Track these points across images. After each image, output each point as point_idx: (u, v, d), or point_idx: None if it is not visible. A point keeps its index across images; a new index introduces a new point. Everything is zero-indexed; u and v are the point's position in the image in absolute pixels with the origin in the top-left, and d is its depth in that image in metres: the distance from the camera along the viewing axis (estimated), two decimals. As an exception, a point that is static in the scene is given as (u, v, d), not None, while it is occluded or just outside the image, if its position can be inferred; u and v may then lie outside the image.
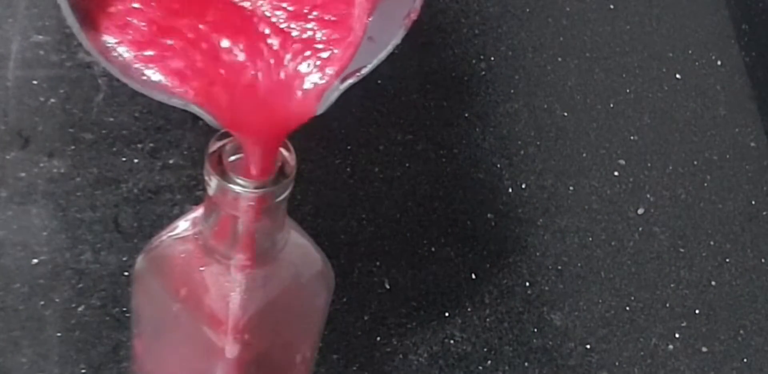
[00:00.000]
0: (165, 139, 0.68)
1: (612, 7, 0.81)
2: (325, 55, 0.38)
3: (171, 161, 0.67)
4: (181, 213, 0.52)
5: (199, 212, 0.44)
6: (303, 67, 0.38)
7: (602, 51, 0.79)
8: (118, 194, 0.66)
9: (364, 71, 0.38)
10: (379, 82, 0.73)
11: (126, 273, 0.63)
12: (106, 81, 0.69)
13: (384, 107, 0.72)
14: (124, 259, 0.64)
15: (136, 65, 0.37)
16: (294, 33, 0.38)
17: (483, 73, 0.76)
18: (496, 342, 0.66)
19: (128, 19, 0.37)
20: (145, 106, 0.68)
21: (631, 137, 0.76)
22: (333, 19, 0.38)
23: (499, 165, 0.72)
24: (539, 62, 0.77)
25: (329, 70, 0.38)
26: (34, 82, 0.68)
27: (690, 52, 0.80)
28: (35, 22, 0.70)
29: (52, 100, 0.68)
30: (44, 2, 0.71)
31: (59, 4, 0.35)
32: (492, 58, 0.77)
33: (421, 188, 0.70)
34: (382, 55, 0.37)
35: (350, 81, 0.38)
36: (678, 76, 0.79)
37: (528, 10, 0.79)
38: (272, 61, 0.38)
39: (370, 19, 0.38)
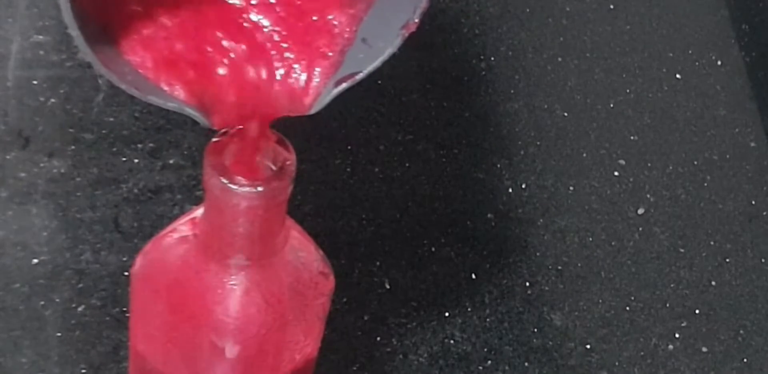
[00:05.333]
0: (165, 139, 0.68)
1: (612, 7, 0.81)
2: (314, 56, 0.38)
3: (171, 161, 0.67)
4: (181, 213, 0.52)
5: (199, 212, 0.44)
6: (294, 68, 0.38)
7: (602, 51, 0.79)
8: (118, 194, 0.66)
9: (359, 77, 0.38)
10: (379, 82, 0.73)
11: (126, 273, 0.63)
12: (106, 81, 0.69)
13: (384, 107, 0.72)
14: (124, 259, 0.63)
15: (136, 70, 0.37)
16: (284, 34, 0.38)
17: (483, 73, 0.76)
18: (496, 342, 0.66)
19: (134, 22, 0.37)
20: (145, 106, 0.68)
21: (631, 137, 0.76)
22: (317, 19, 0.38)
23: (499, 165, 0.72)
24: (539, 62, 0.77)
25: (318, 71, 0.38)
26: (34, 82, 0.68)
27: (690, 52, 0.80)
28: (35, 22, 0.70)
29: (52, 100, 0.68)
30: (44, 2, 0.71)
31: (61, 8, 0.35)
32: (492, 58, 0.77)
33: (421, 188, 0.70)
34: (378, 62, 0.37)
35: (345, 85, 0.38)
36: (678, 76, 0.79)
37: (528, 10, 0.79)
38: (265, 61, 0.38)
39: (362, 19, 0.38)
